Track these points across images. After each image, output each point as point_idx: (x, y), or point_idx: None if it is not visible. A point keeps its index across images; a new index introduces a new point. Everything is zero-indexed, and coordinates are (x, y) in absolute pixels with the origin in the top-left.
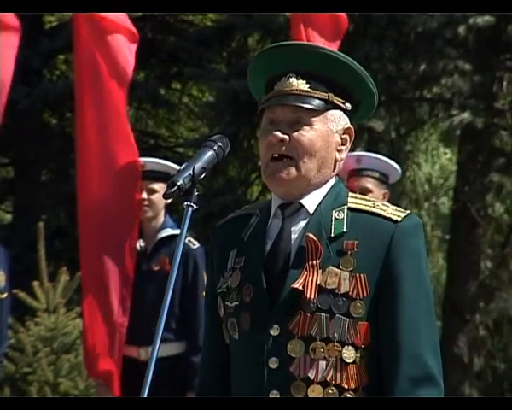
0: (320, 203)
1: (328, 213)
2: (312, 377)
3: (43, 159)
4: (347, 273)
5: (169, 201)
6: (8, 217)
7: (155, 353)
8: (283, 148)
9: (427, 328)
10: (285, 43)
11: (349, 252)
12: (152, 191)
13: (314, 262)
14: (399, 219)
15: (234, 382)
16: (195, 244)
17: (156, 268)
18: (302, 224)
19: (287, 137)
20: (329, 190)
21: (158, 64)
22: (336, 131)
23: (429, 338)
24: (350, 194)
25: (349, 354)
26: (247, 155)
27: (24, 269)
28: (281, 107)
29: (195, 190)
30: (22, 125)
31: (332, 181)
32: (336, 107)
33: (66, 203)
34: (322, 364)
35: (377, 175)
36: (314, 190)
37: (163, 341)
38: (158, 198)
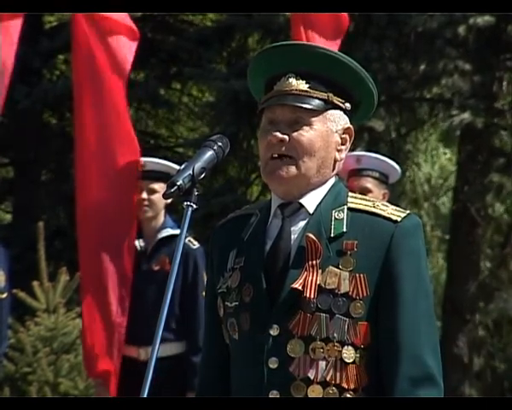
0: (320, 203)
1: (327, 213)
2: (312, 377)
3: (43, 159)
4: (347, 273)
5: (169, 201)
6: (8, 217)
7: (155, 353)
8: (283, 148)
9: (427, 328)
10: (285, 43)
11: (349, 252)
12: (152, 191)
13: (314, 262)
14: (399, 219)
15: (234, 382)
16: (195, 244)
17: (156, 268)
18: (302, 224)
19: (286, 137)
20: (329, 189)
21: (158, 64)
22: (336, 131)
23: (429, 338)
24: (350, 194)
25: (349, 354)
26: (247, 155)
27: (24, 269)
28: (280, 107)
29: (195, 190)
30: (22, 125)
31: (332, 181)
32: (336, 107)
33: (66, 203)
34: (322, 364)
35: (377, 175)
36: (314, 189)
37: (163, 341)
38: (158, 198)
